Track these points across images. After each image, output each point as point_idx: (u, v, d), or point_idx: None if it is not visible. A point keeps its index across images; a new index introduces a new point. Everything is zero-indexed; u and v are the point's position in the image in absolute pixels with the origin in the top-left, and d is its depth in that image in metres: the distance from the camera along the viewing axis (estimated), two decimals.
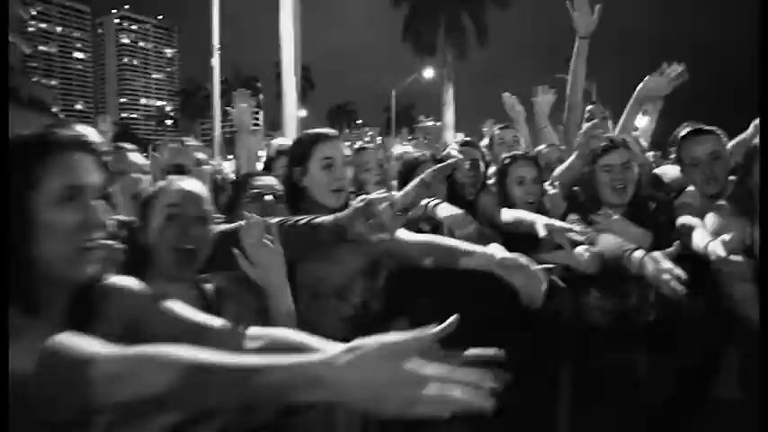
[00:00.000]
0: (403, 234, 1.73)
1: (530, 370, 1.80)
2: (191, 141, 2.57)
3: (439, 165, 2.14)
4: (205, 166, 2.59)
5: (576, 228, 1.95)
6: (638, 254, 1.83)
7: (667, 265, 1.72)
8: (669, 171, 2.62)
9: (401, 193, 1.88)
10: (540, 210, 2.35)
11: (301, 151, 1.79)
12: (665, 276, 1.69)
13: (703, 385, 2.03)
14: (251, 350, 1.08)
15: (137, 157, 2.13)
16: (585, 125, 2.49)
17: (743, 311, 1.82)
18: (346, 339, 0.74)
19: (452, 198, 2.38)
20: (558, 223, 1.99)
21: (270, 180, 1.94)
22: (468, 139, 2.96)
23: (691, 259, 1.82)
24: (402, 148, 3.11)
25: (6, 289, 0.89)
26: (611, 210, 2.17)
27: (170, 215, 1.44)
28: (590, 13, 2.72)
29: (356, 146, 3.00)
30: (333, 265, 1.71)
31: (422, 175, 1.71)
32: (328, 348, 0.79)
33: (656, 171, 2.77)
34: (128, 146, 2.15)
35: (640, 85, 2.68)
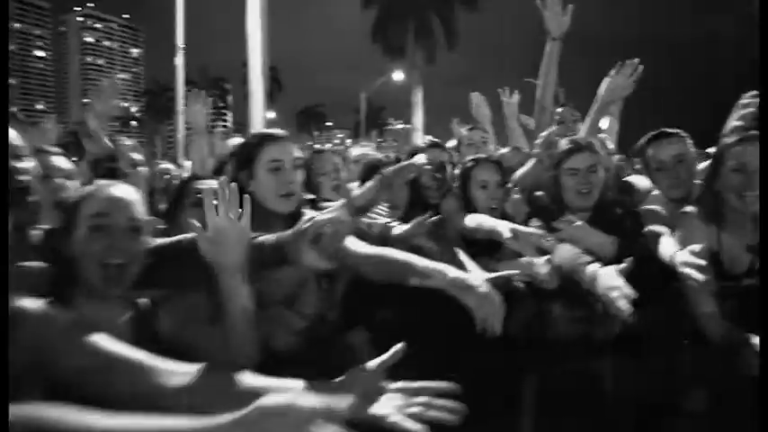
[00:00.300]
0: (355, 246, 1.62)
1: (492, 382, 1.73)
2: (125, 141, 2.41)
3: (400, 164, 2.04)
4: (141, 168, 2.42)
5: (540, 233, 1.88)
6: (591, 268, 1.78)
7: (618, 282, 1.66)
8: (639, 181, 2.58)
9: (359, 191, 1.78)
10: (504, 215, 2.28)
11: (247, 154, 1.67)
12: (614, 294, 1.64)
13: (670, 395, 1.99)
14: (173, 387, 0.97)
15: (61, 161, 1.97)
16: (546, 131, 2.45)
17: (705, 328, 1.78)
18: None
19: (415, 202, 2.29)
20: (522, 228, 1.91)
21: (214, 183, 1.80)
22: (435, 140, 2.86)
23: (657, 268, 1.77)
24: (360, 149, 2.97)
25: (6, 289, 0.85)
26: (575, 214, 2.12)
27: (96, 225, 1.29)
28: (562, 13, 2.66)
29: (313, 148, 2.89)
30: (276, 277, 1.59)
31: (382, 173, 1.61)
32: (260, 385, 0.68)
33: (628, 179, 2.72)
34: (52, 149, 1.98)
35: (604, 88, 2.60)
